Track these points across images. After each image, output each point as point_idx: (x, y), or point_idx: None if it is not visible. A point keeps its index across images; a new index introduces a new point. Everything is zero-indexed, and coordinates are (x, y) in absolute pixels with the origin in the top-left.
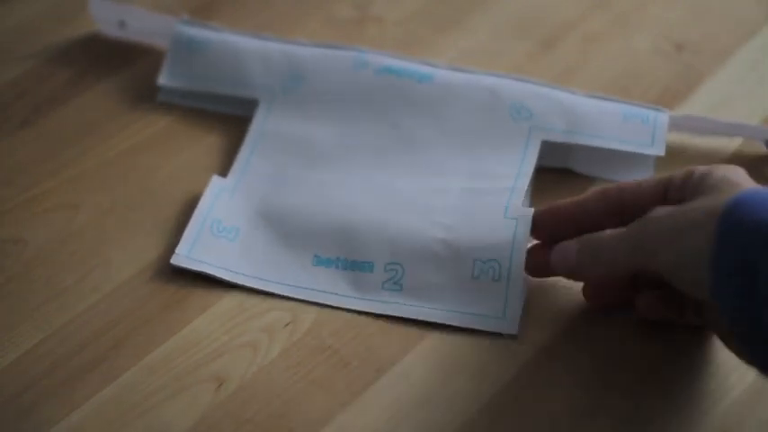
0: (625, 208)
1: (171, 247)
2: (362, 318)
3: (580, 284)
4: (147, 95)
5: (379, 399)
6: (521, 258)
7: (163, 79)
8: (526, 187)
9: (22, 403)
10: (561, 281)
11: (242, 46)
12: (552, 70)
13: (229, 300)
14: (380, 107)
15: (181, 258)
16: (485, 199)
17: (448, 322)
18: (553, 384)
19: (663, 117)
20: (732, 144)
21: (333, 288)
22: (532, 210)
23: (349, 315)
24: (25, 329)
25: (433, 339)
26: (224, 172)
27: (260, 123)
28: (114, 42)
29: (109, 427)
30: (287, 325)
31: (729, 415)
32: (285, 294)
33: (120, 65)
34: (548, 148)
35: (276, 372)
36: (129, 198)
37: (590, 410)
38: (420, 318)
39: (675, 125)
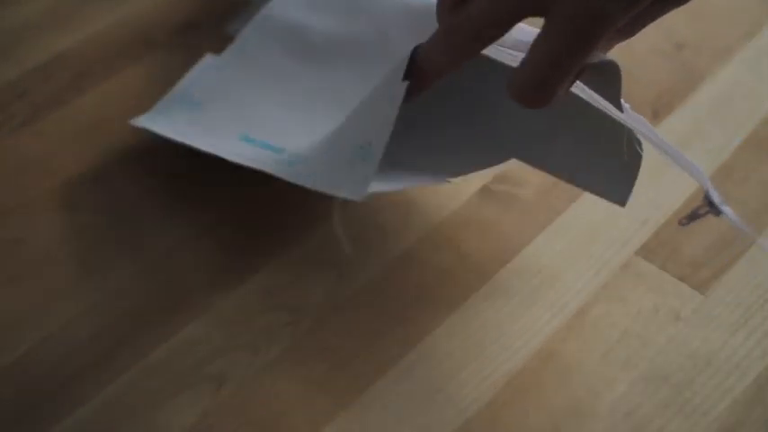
0: None
1: (172, 248)
2: (363, 317)
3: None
4: (148, 95)
5: (379, 399)
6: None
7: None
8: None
9: (21, 403)
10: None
11: None
12: None
13: (229, 300)
14: (377, 11)
15: (140, 120)
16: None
17: (316, 186)
18: (554, 384)
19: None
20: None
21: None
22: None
23: (349, 314)
24: (25, 329)
25: (433, 338)
26: None
27: (272, 6)
28: (114, 42)
29: (108, 427)
30: (287, 325)
31: (729, 415)
32: (211, 152)
33: (121, 65)
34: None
35: (276, 372)
36: (130, 198)
37: (591, 410)
38: (299, 182)
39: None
